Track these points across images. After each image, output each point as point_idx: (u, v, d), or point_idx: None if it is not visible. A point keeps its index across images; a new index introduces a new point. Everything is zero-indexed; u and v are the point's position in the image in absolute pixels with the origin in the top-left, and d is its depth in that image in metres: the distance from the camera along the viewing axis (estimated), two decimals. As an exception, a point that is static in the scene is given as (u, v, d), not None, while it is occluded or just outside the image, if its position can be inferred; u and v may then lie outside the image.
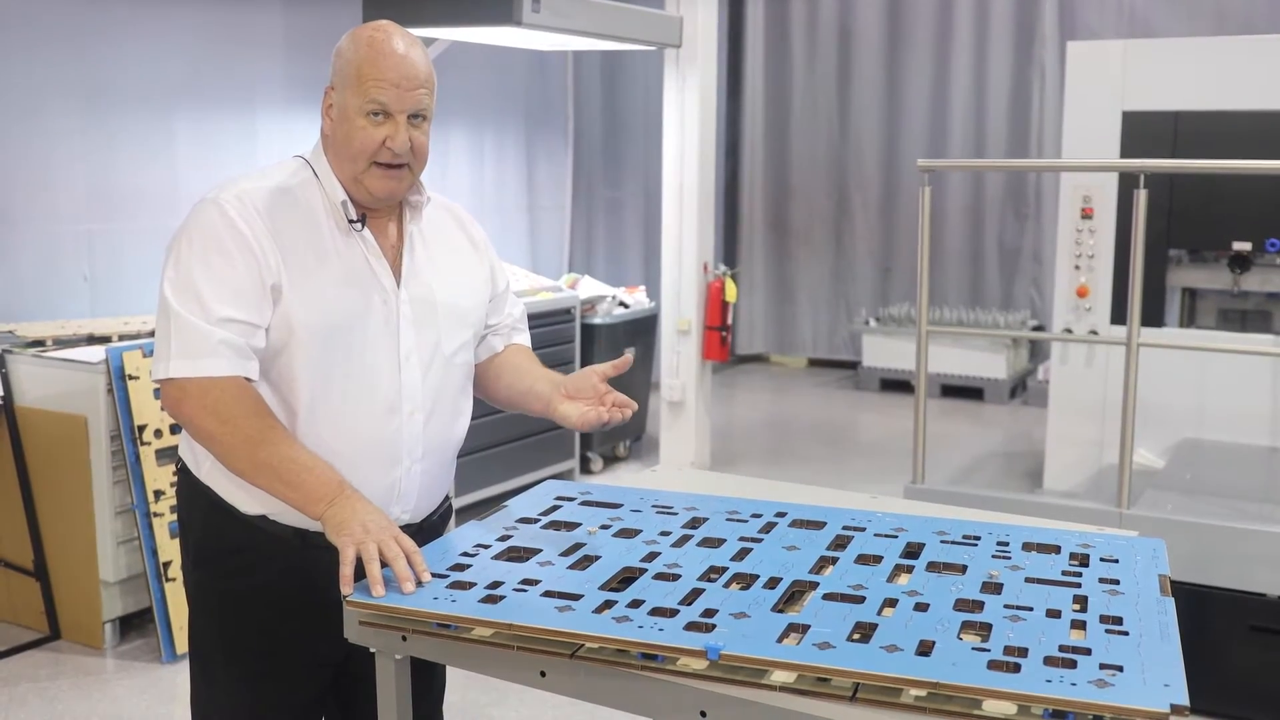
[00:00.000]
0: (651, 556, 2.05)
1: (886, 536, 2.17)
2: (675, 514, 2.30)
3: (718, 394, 7.80)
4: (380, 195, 2.11)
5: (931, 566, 2.02)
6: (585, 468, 6.49)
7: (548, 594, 1.87)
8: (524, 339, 2.45)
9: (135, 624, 4.37)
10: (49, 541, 4.28)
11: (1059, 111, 7.10)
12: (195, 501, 2.18)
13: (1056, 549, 2.12)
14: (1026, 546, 2.13)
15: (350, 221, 2.11)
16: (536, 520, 2.27)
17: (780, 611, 1.81)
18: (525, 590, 1.89)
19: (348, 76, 2.06)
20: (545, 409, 2.22)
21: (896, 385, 8.82)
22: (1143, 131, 4.82)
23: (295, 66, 6.09)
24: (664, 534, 2.18)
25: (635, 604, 1.83)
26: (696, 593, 1.88)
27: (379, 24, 2.10)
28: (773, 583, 1.92)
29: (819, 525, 2.23)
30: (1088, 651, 1.66)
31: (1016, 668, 1.60)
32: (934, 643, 1.68)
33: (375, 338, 2.12)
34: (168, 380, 2.01)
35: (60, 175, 5.16)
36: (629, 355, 2.16)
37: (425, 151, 2.13)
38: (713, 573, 1.97)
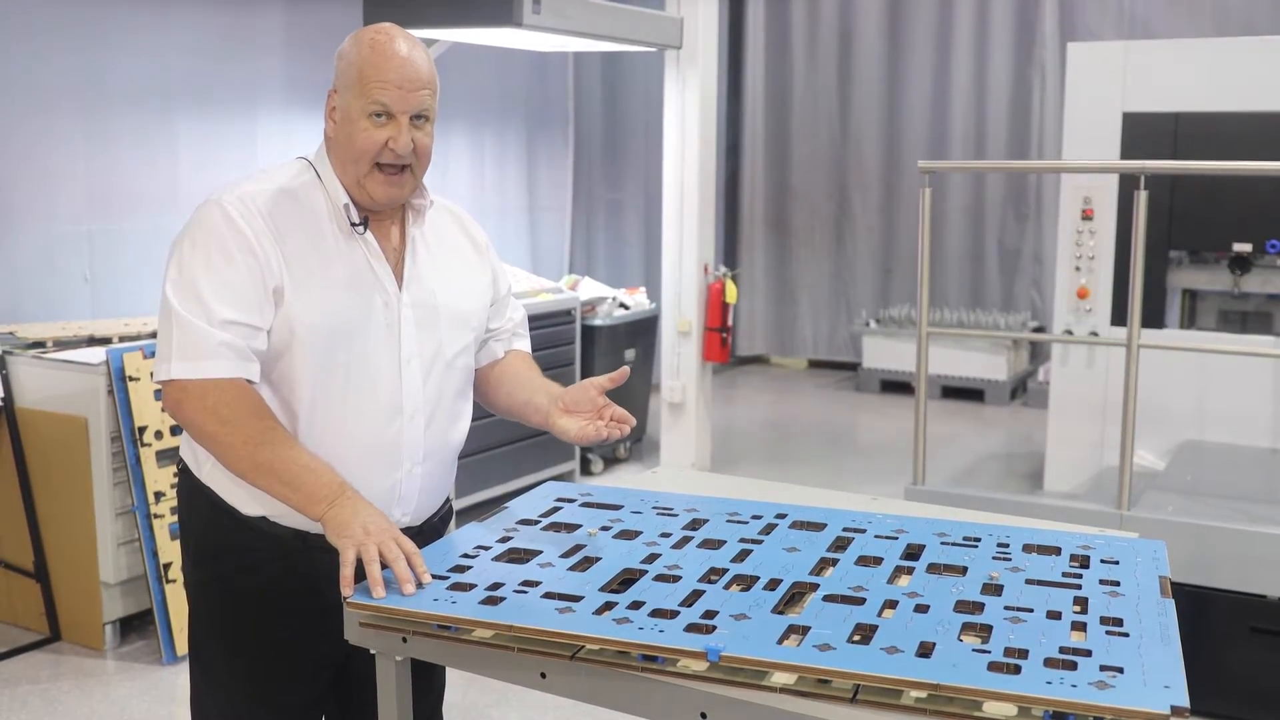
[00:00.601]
0: (652, 558, 2.05)
1: (887, 538, 2.17)
2: (676, 515, 2.30)
3: (718, 395, 7.80)
4: (382, 201, 2.11)
5: (932, 568, 2.02)
6: (585, 469, 6.48)
7: (548, 595, 1.87)
8: (525, 344, 2.46)
9: (136, 625, 4.37)
10: (49, 543, 4.28)
11: (1059, 112, 7.12)
12: (196, 503, 2.18)
13: (1057, 550, 2.13)
14: (1027, 548, 2.14)
15: (353, 224, 2.12)
16: (537, 522, 2.27)
17: (780, 613, 1.81)
18: (525, 592, 1.89)
19: (350, 78, 2.07)
20: (544, 422, 2.23)
21: (897, 386, 8.82)
22: (1143, 132, 4.82)
23: (296, 67, 6.09)
24: (664, 535, 2.18)
25: (636, 605, 1.83)
26: (697, 594, 1.88)
27: (381, 26, 2.11)
28: (773, 584, 1.92)
29: (819, 527, 2.24)
30: (1088, 653, 1.66)
31: (1017, 669, 1.61)
32: (934, 644, 1.69)
33: (377, 341, 2.12)
34: (169, 381, 2.01)
35: (60, 175, 5.16)
36: (626, 367, 2.17)
37: (428, 153, 2.13)
38: (713, 574, 1.98)
